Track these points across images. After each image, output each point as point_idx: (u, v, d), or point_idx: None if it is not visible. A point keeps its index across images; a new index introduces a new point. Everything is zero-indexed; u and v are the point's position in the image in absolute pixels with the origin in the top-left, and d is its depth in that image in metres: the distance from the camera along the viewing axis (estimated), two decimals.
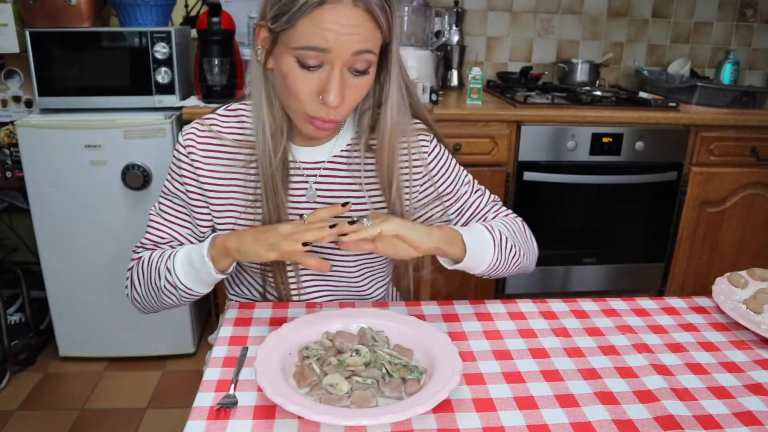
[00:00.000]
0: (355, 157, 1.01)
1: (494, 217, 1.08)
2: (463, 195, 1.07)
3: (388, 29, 0.86)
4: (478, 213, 1.08)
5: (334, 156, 1.01)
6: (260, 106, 0.92)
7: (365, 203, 1.01)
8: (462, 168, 1.09)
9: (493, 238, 0.98)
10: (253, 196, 0.98)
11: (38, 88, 1.91)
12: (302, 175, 1.00)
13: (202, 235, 1.03)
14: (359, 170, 1.01)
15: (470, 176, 1.10)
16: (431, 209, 1.06)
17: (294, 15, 0.81)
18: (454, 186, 1.06)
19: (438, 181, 1.05)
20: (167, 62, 1.92)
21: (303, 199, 1.00)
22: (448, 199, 1.07)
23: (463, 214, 1.07)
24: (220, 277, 0.93)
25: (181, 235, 1.02)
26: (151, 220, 1.03)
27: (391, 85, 0.93)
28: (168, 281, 0.95)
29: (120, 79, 1.94)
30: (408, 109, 0.98)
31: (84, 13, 1.93)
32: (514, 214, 1.10)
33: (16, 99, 2.24)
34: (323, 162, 1.01)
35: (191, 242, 1.03)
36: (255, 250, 0.87)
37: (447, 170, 1.06)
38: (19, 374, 2.09)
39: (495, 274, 1.01)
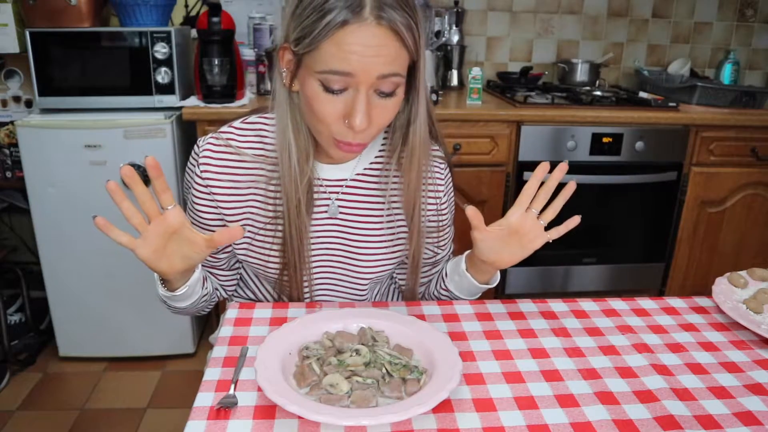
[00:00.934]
0: (384, 176, 1.00)
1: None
2: (448, 231, 1.10)
3: (415, 48, 0.83)
4: (448, 248, 1.13)
5: (357, 174, 1.00)
6: (286, 130, 0.90)
7: (388, 221, 1.01)
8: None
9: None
10: (273, 213, 0.97)
11: (38, 88, 1.91)
12: (324, 192, 0.99)
13: (215, 249, 1.02)
14: (385, 188, 1.00)
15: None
16: (427, 237, 1.06)
17: (316, 37, 0.78)
18: (449, 221, 1.09)
19: (443, 212, 1.06)
20: (167, 62, 1.92)
21: (325, 215, 0.99)
22: (446, 232, 1.08)
23: (444, 248, 1.11)
24: (180, 292, 0.90)
25: None
26: None
27: (419, 104, 0.91)
28: (162, 297, 0.95)
29: (120, 79, 1.94)
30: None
31: (84, 13, 1.93)
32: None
33: (16, 99, 2.24)
34: (345, 180, 1.00)
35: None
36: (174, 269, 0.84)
37: (450, 204, 1.08)
38: (19, 374, 2.09)
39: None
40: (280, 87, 0.89)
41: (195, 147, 0.98)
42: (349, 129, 0.83)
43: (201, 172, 0.96)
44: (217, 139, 0.97)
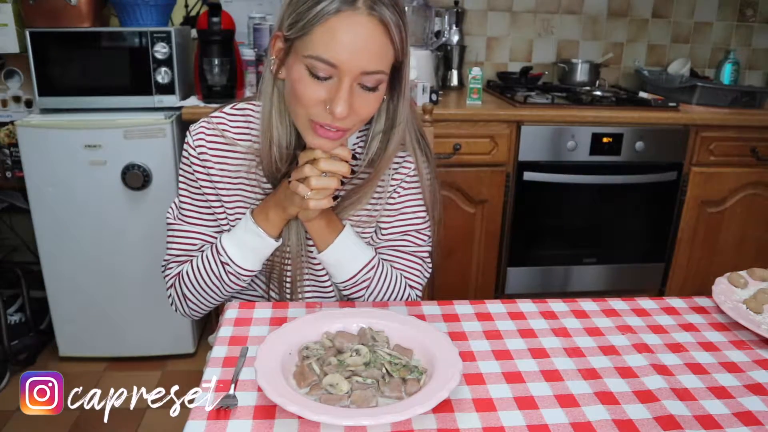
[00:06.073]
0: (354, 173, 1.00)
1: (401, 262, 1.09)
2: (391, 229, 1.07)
3: (401, 47, 0.85)
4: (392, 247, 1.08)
5: None
6: (270, 117, 0.92)
7: (357, 220, 1.03)
8: (422, 225, 1.07)
9: (363, 268, 1.01)
10: (262, 195, 1.00)
11: (38, 88, 1.91)
12: None
13: (226, 229, 1.03)
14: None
15: (420, 233, 1.08)
16: (364, 228, 1.05)
17: (310, 22, 0.81)
18: (390, 219, 1.06)
19: (386, 209, 1.05)
20: (167, 62, 1.92)
21: None
22: (382, 225, 1.07)
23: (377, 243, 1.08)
24: (280, 241, 0.99)
25: (210, 236, 1.03)
26: (174, 230, 1.04)
27: (403, 108, 0.93)
28: (232, 275, 0.98)
29: (120, 79, 1.94)
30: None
31: (84, 13, 1.93)
32: (416, 282, 1.10)
33: (16, 99, 2.23)
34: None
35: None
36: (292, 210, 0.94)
37: (404, 208, 1.05)
38: (20, 374, 2.09)
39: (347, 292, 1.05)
40: (268, 74, 0.92)
41: (187, 134, 1.01)
42: (329, 114, 0.85)
43: (198, 154, 0.99)
44: (209, 123, 1.00)
